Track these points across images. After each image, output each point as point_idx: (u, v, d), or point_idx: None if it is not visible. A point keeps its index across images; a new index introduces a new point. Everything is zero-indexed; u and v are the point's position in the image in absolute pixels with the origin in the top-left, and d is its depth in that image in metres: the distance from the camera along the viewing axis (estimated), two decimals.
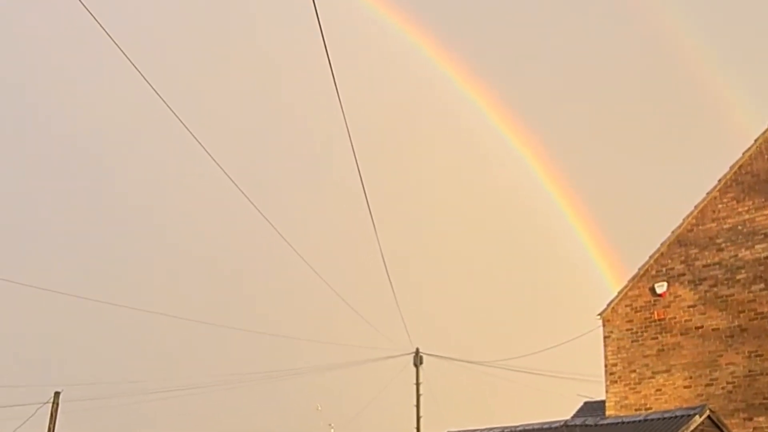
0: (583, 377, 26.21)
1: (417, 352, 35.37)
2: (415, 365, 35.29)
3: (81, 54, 45.53)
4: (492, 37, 46.80)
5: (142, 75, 12.03)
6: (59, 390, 30.49)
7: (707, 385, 17.63)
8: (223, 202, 39.21)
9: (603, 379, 19.25)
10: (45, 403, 30.28)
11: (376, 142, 44.14)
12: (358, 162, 15.43)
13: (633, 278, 19.36)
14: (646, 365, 18.58)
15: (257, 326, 43.93)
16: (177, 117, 13.30)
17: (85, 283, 42.91)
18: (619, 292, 19.48)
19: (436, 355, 35.70)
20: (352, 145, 14.51)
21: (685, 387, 17.92)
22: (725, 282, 17.98)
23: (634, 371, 18.71)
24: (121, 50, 11.49)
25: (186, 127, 13.74)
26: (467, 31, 45.37)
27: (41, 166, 51.31)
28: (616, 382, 18.90)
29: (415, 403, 35.02)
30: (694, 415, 14.68)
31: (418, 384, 35.20)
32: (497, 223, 50.13)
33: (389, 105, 48.00)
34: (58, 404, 30.30)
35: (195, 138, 14.16)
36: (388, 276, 26.63)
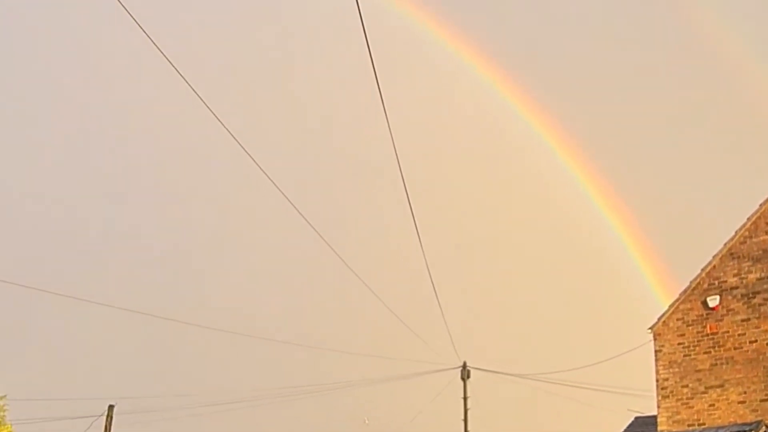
0: (634, 392, 25.89)
1: (464, 365, 35.31)
2: (463, 379, 35.21)
3: (140, 81, 46.64)
4: (542, 55, 46.69)
5: (207, 106, 12.34)
6: (113, 403, 31.12)
7: (762, 400, 17.32)
8: (274, 217, 39.70)
9: (654, 393, 19.03)
10: (99, 416, 30.92)
11: (426, 163, 44.41)
12: (405, 181, 15.68)
13: (684, 291, 19.13)
14: (699, 380, 18.32)
15: (305, 340, 44.25)
16: (242, 146, 13.61)
17: (138, 296, 43.71)
18: (670, 306, 19.26)
19: (484, 369, 35.61)
20: (399, 166, 14.73)
21: (739, 402, 17.63)
22: None
23: (687, 386, 18.46)
24: (196, 93, 11.81)
25: (247, 152, 14.05)
26: (514, 46, 45.36)
27: (105, 190, 52.49)
28: (668, 397, 18.66)
29: (462, 416, 34.95)
30: (750, 431, 14.46)
31: (465, 398, 35.13)
32: (545, 237, 49.83)
33: (438, 126, 48.30)
34: (112, 417, 30.91)
35: (254, 160, 14.46)
36: (435, 290, 26.75)
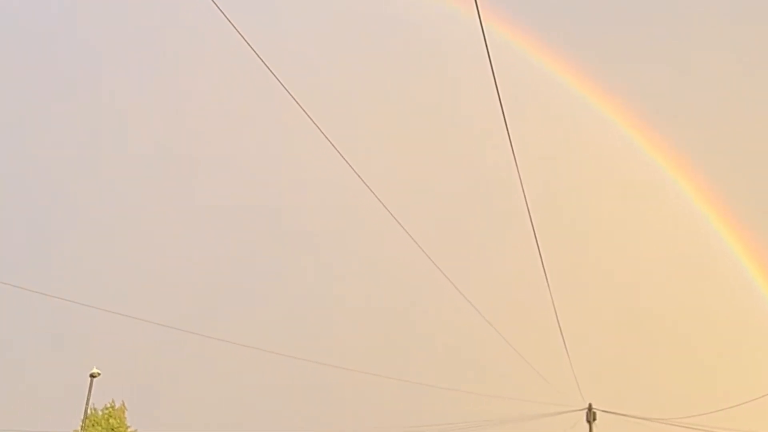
0: None
1: (590, 407, 34.46)
2: (588, 421, 34.41)
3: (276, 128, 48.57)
4: (660, 82, 45.64)
5: (340, 153, 12.65)
6: None
7: None
8: (394, 253, 40.16)
9: None
10: None
11: (551, 199, 44.05)
12: (531, 216, 15.61)
13: None
14: None
15: (426, 378, 44.20)
16: (378, 198, 13.86)
17: (267, 336, 44.96)
18: None
19: (611, 412, 34.64)
20: (526, 200, 14.65)
21: None
22: None
23: None
24: (328, 138, 12.15)
25: (387, 209, 14.28)
26: (625, 73, 44.58)
27: (244, 235, 54.43)
28: None
29: None
30: None
31: None
32: (675, 277, 48.15)
33: (566, 168, 48.00)
34: None
35: (375, 195, 14.68)
36: (561, 330, 26.28)
